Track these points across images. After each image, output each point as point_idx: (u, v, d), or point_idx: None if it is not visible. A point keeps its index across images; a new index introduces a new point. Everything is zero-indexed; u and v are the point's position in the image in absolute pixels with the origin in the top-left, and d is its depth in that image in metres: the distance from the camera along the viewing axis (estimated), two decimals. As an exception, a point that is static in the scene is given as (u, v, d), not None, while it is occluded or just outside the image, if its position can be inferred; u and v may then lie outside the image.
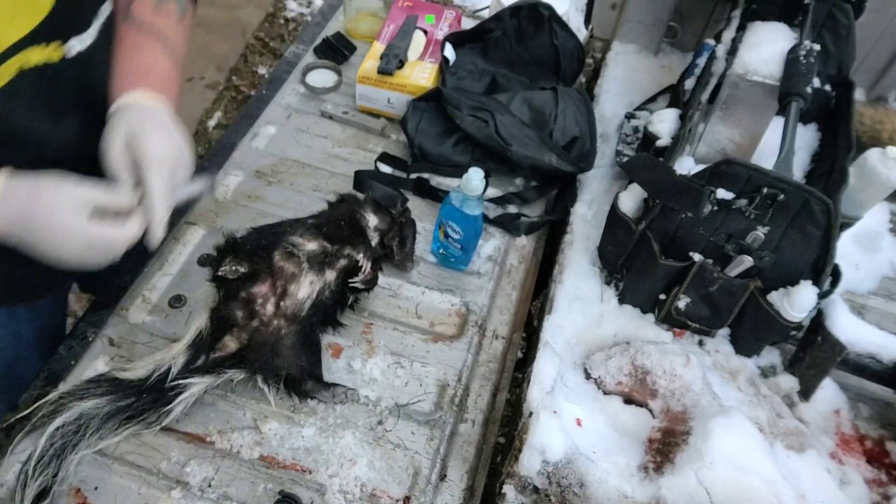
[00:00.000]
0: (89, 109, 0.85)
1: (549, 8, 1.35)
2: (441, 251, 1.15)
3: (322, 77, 1.47)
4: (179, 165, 0.81)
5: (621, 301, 1.06)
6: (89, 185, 0.74)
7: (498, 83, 1.41)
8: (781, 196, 0.82)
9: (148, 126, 0.78)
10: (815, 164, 1.13)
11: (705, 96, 1.15)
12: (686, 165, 1.07)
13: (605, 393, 0.94)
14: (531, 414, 0.86)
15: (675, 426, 0.85)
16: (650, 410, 0.91)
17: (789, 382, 0.98)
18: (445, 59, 1.35)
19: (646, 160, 0.96)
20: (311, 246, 1.00)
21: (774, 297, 0.90)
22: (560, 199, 1.28)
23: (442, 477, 0.91)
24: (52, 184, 0.73)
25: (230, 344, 0.93)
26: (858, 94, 1.29)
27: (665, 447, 0.84)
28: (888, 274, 1.17)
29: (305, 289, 0.97)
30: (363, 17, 1.55)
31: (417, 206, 1.24)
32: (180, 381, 0.88)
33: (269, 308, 0.95)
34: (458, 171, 1.27)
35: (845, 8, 1.08)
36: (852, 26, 1.09)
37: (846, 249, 1.15)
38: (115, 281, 1.06)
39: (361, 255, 1.03)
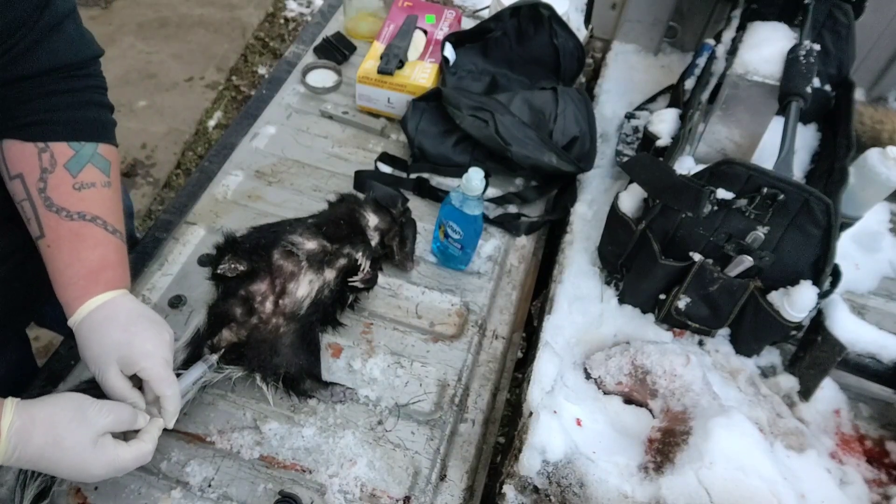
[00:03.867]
0: None
1: (549, 8, 1.35)
2: (441, 251, 1.15)
3: (322, 77, 1.47)
4: (171, 347, 0.82)
5: (621, 301, 1.06)
6: (107, 410, 0.72)
7: (498, 83, 1.41)
8: (781, 196, 0.82)
9: (134, 339, 0.77)
10: (815, 164, 1.13)
11: (705, 96, 1.15)
12: (686, 165, 1.07)
13: (605, 393, 0.94)
14: (531, 414, 0.86)
15: (675, 426, 0.85)
16: (650, 410, 0.91)
17: (789, 382, 0.98)
18: (445, 59, 1.35)
19: (646, 160, 0.96)
20: (311, 245, 1.00)
21: (774, 297, 0.90)
22: (560, 199, 1.28)
23: (442, 477, 0.91)
24: (70, 419, 0.70)
25: (228, 337, 0.93)
26: (858, 94, 1.29)
27: (665, 447, 0.84)
28: (888, 274, 1.17)
29: (304, 287, 0.97)
30: (363, 17, 1.55)
31: (417, 206, 1.24)
32: (180, 372, 0.88)
33: (268, 306, 0.95)
34: (458, 171, 1.27)
35: (845, 8, 1.08)
36: (852, 26, 1.09)
37: (846, 249, 1.14)
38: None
39: (360, 255, 1.03)
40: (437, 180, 1.29)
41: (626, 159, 1.24)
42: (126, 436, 0.77)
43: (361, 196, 1.15)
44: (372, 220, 1.09)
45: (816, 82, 1.09)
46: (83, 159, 0.81)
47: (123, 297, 0.81)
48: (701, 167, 0.89)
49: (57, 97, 0.80)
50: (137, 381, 0.79)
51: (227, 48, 3.15)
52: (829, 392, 0.98)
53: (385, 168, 1.30)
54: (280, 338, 0.94)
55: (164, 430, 0.88)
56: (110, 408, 0.73)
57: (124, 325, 0.78)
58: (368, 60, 1.35)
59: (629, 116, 1.37)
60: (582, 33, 1.57)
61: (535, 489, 0.81)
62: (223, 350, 0.91)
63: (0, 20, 0.72)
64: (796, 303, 0.87)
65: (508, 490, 0.82)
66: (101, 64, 0.87)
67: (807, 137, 1.16)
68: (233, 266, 0.96)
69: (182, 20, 3.25)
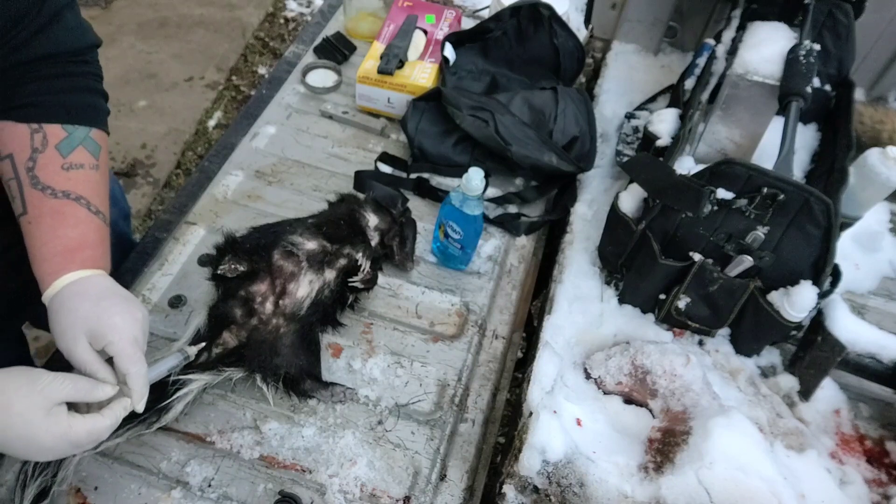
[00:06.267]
0: None
1: (549, 8, 1.35)
2: (441, 251, 1.15)
3: (322, 77, 1.47)
4: (143, 327, 0.78)
5: (621, 301, 1.06)
6: (62, 378, 0.69)
7: (498, 83, 1.41)
8: (781, 196, 0.82)
9: (104, 313, 0.74)
10: (815, 164, 1.13)
11: (705, 96, 1.15)
12: (686, 165, 1.07)
13: (605, 393, 0.94)
14: (531, 414, 0.86)
15: (675, 426, 0.85)
16: (650, 410, 0.91)
17: (789, 382, 0.98)
18: (445, 59, 1.35)
19: (646, 160, 0.96)
20: (311, 245, 1.00)
21: (774, 297, 0.90)
22: (560, 199, 1.28)
23: (442, 477, 0.91)
24: (21, 385, 0.67)
25: (228, 340, 0.93)
26: (858, 94, 1.29)
27: (665, 447, 0.84)
28: (888, 274, 1.17)
29: (304, 288, 0.97)
30: (363, 17, 1.55)
31: (417, 206, 1.24)
32: (180, 378, 0.88)
33: (268, 307, 0.95)
34: (458, 171, 1.27)
35: (845, 8, 1.08)
36: (852, 26, 1.09)
37: (846, 249, 1.14)
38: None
39: (361, 255, 1.03)
40: (437, 180, 1.29)
41: (626, 159, 1.24)
42: (90, 408, 0.74)
43: (361, 196, 1.15)
44: (372, 220, 1.09)
45: (816, 82, 1.09)
46: (75, 141, 0.82)
47: (99, 276, 0.80)
48: (701, 167, 0.89)
49: (53, 80, 0.81)
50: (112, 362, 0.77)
51: (227, 48, 3.15)
52: (829, 392, 0.98)
53: (385, 168, 1.30)
54: (280, 338, 0.94)
55: (164, 429, 0.88)
56: (66, 376, 0.70)
57: (95, 299, 0.76)
58: (368, 60, 1.35)
59: (629, 116, 1.37)
60: (582, 33, 1.57)
61: (535, 489, 0.81)
62: (203, 344, 0.90)
63: (2, 15, 0.73)
64: (796, 303, 0.87)
65: (508, 490, 0.82)
66: (98, 53, 0.88)
67: (807, 137, 1.16)
68: (233, 267, 0.96)
69: (182, 20, 3.25)
